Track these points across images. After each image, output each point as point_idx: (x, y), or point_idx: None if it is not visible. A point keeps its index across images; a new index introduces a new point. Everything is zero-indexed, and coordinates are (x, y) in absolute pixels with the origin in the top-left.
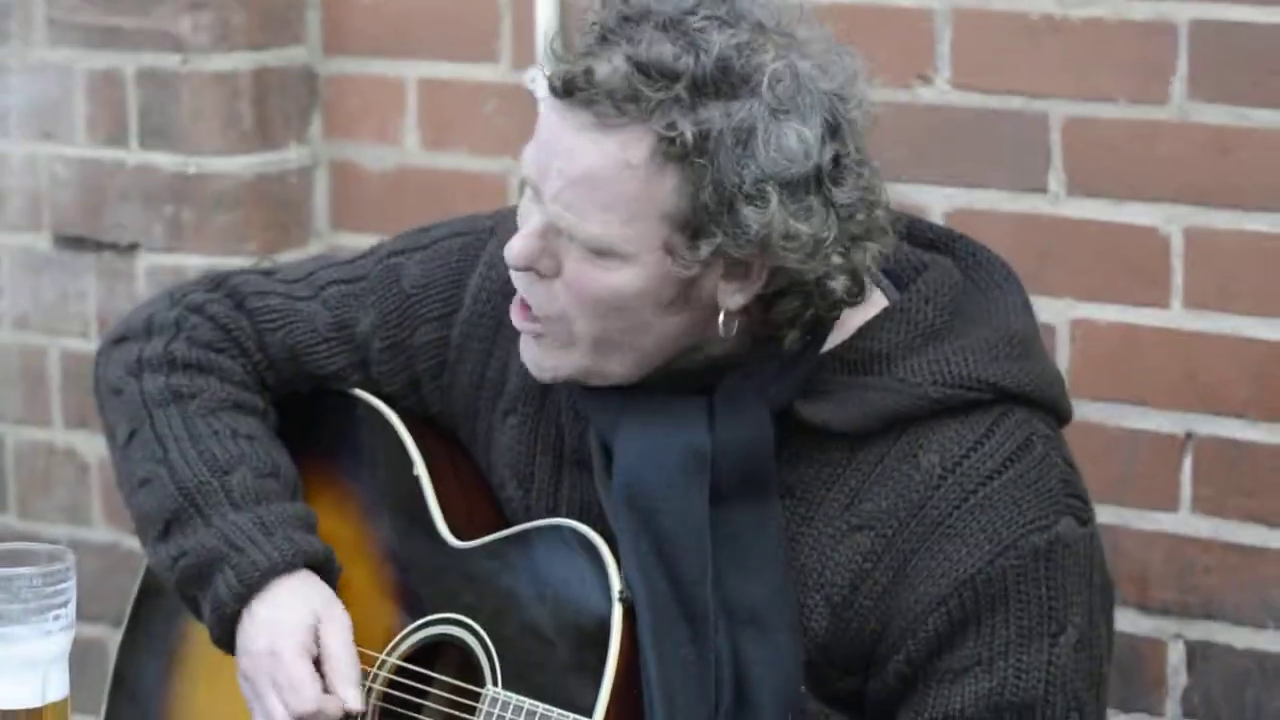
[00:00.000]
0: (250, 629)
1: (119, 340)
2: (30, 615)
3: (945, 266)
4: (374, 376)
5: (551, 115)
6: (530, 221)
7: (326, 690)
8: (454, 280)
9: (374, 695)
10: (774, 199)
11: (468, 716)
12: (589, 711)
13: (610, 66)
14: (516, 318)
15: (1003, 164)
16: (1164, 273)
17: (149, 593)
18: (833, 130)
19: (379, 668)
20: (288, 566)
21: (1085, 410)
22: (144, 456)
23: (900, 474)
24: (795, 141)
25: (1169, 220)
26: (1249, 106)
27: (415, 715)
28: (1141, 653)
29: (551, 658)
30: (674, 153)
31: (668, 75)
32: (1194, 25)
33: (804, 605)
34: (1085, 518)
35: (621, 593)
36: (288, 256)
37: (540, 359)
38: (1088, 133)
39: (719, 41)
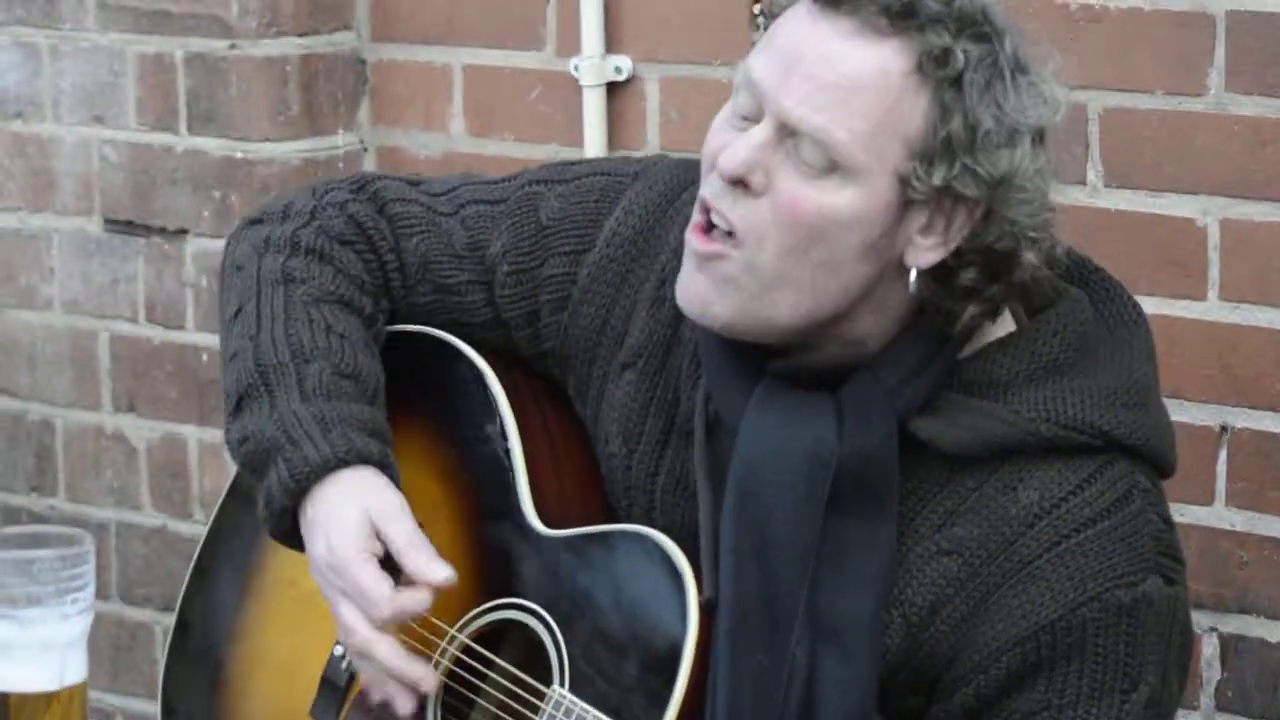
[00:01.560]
0: (307, 533)
1: (254, 222)
2: (48, 598)
3: (1079, 300)
4: (495, 299)
5: (803, 23)
6: (754, 131)
7: (401, 583)
8: (590, 219)
9: (440, 670)
10: (1025, 144)
11: (528, 712)
12: None
13: None
14: (695, 239)
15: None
16: (1200, 264)
17: (233, 499)
18: (1051, 97)
19: (448, 642)
20: (339, 463)
21: None
22: (241, 332)
23: (996, 505)
24: (1038, 97)
25: (1206, 212)
26: None
27: (475, 697)
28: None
29: (620, 671)
30: (932, 73)
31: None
32: (1231, 16)
33: (886, 612)
34: (1174, 578)
35: (703, 596)
36: None
37: (704, 290)
38: (1126, 124)
39: None
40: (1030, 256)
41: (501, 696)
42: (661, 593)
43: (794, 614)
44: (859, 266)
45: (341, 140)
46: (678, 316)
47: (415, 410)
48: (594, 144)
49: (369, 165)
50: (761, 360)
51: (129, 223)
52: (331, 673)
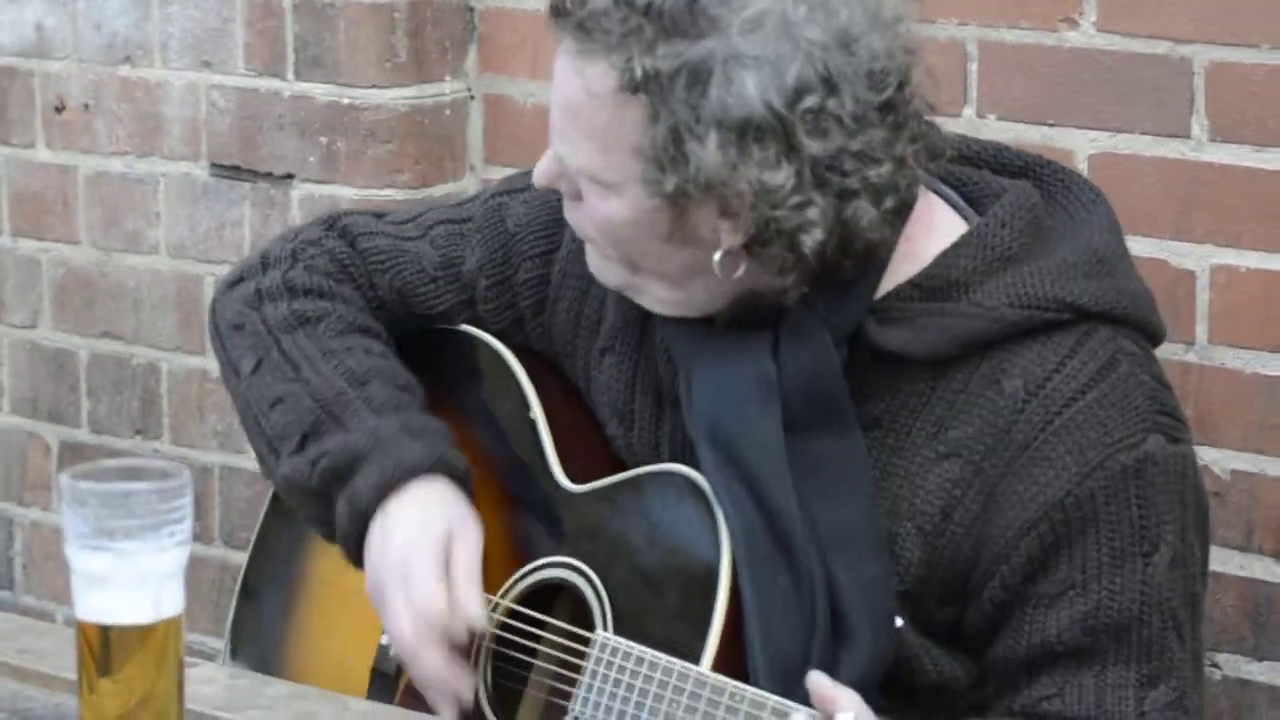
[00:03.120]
0: (384, 529)
1: (235, 282)
2: (145, 531)
3: (1023, 189)
4: (480, 315)
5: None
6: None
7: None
8: (555, 218)
9: (487, 638)
10: (713, 142)
11: (579, 661)
12: (697, 659)
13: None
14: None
15: (1146, 108)
16: None
17: (276, 515)
18: (822, 80)
19: (493, 610)
20: (430, 469)
21: (1224, 357)
22: (275, 379)
23: (984, 400)
24: (753, 88)
25: None
26: None
27: (528, 659)
28: (1277, 601)
29: (661, 604)
30: (632, 86)
31: (635, 9)
32: None
33: (897, 535)
34: (1176, 435)
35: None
36: (440, 191)
37: (594, 263)
38: (1231, 78)
39: None
40: (810, 238)
41: (554, 653)
42: (693, 521)
43: (795, 532)
44: (680, 253)
45: (449, 88)
46: None
47: (442, 395)
48: None
49: (476, 113)
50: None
51: (235, 168)
52: (381, 663)
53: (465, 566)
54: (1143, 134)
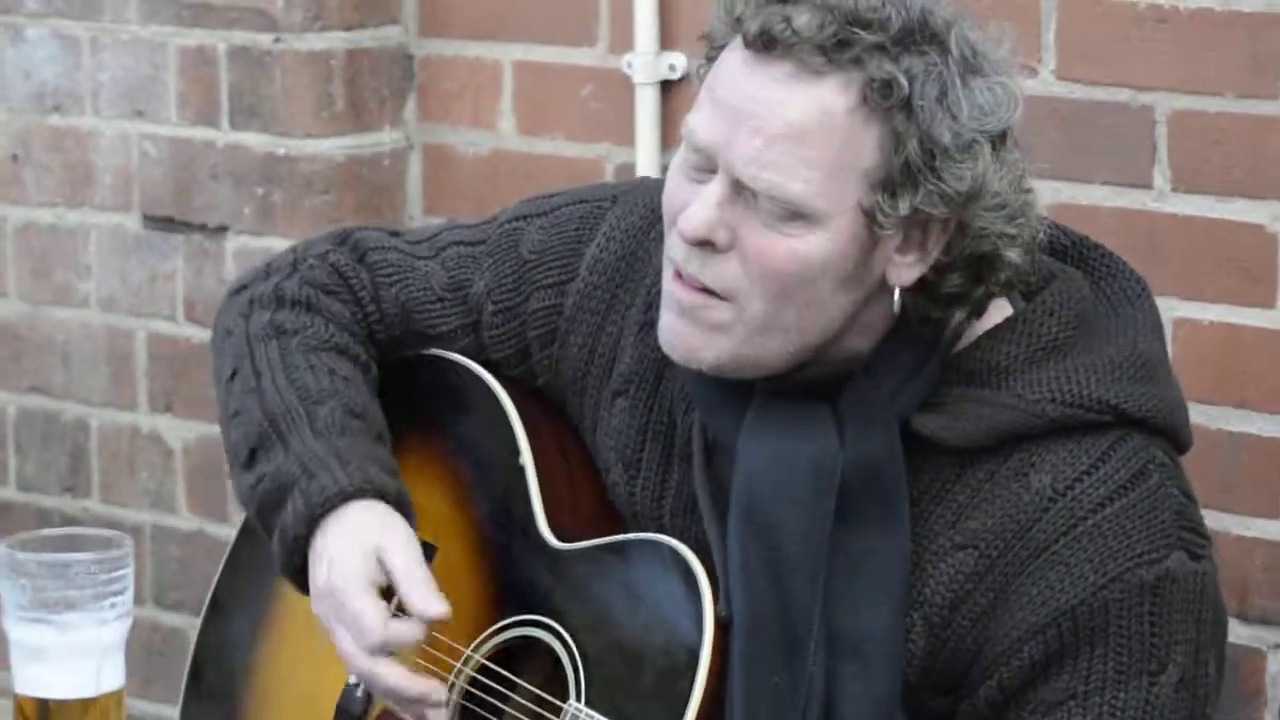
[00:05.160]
0: (314, 561)
1: (239, 289)
2: (87, 602)
3: (1074, 278)
4: (484, 341)
5: (739, 74)
6: (708, 190)
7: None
8: (571, 249)
9: (456, 691)
10: (985, 152)
11: None
12: None
13: (809, 14)
14: (676, 286)
15: (1107, 158)
16: (1270, 272)
17: (248, 534)
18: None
19: (464, 664)
20: (356, 493)
21: None
22: (241, 390)
23: (1009, 492)
24: (990, 98)
25: (1276, 218)
26: None
27: (494, 718)
28: (1239, 662)
29: (637, 680)
30: (879, 104)
31: (873, 23)
32: None
33: (904, 621)
34: (1199, 552)
35: (719, 612)
36: None
37: (691, 340)
38: (1194, 127)
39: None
40: (1012, 255)
41: (521, 716)
42: (677, 599)
43: (809, 631)
44: (841, 298)
45: (387, 137)
46: None
47: (427, 429)
48: (646, 144)
49: (415, 163)
50: (750, 379)
51: (168, 219)
52: (346, 702)
53: (403, 571)
54: (1103, 184)
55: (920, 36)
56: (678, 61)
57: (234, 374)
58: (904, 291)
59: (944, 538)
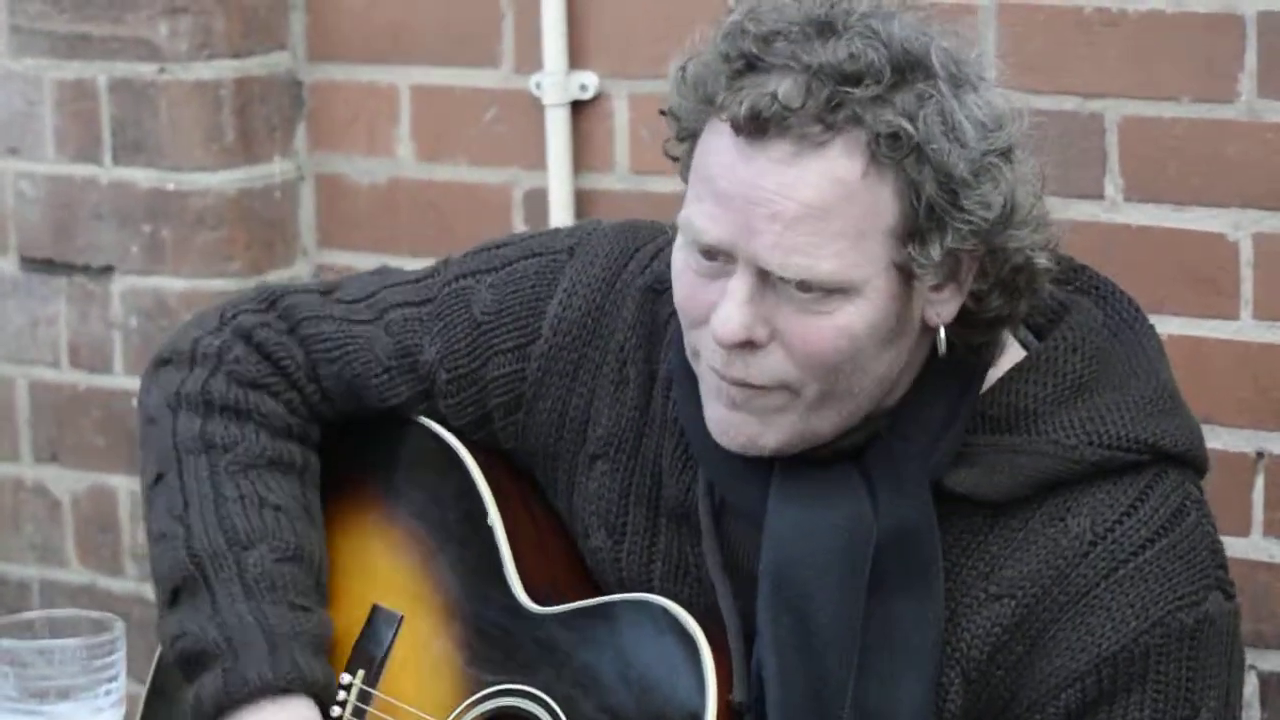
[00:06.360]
0: None
1: (164, 362)
2: (79, 691)
3: (1086, 309)
4: (440, 410)
5: (736, 162)
6: (734, 288)
7: None
8: (530, 308)
9: None
10: (1003, 170)
11: None
12: None
13: (791, 81)
14: (724, 386)
15: (1055, 168)
16: (1232, 282)
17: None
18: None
19: None
20: (282, 690)
21: None
22: (166, 507)
23: (1046, 538)
24: (989, 112)
25: (1237, 226)
26: None
27: None
28: None
29: None
30: (889, 157)
31: (862, 75)
32: (1263, 17)
33: (940, 684)
34: (1231, 591)
35: (736, 702)
36: (274, 277)
37: (749, 429)
38: (1148, 134)
39: (886, 30)
40: (1042, 261)
41: None
42: (674, 663)
43: (843, 707)
44: (888, 355)
45: (278, 168)
46: (645, 398)
47: (386, 491)
48: (558, 167)
49: (308, 194)
50: None
51: (49, 261)
52: None
53: None
54: (1052, 195)
55: (906, 68)
56: (589, 81)
57: (158, 479)
58: (947, 328)
59: (978, 589)
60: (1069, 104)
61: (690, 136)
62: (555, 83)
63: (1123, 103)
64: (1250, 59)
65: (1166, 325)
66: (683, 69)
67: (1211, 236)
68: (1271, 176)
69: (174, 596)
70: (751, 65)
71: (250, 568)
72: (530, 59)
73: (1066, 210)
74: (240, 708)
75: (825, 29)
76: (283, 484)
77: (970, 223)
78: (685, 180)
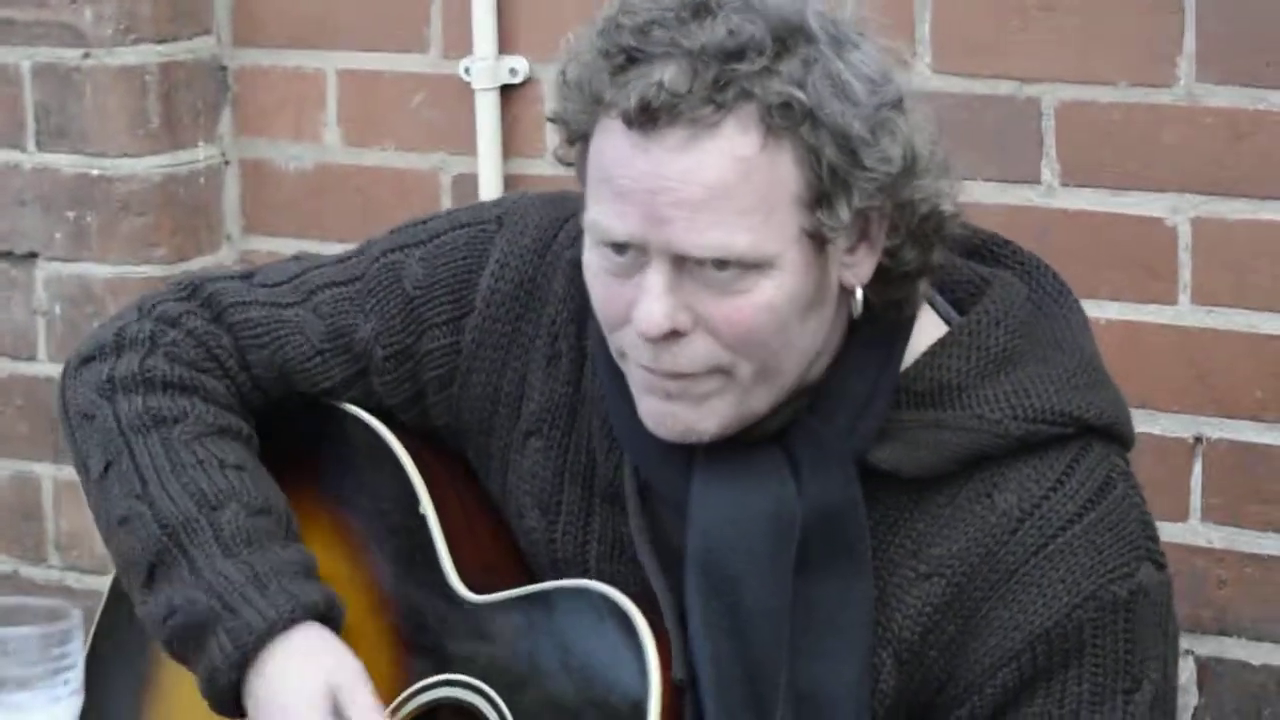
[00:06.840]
0: (256, 704)
1: (87, 360)
2: (36, 681)
3: (1009, 283)
4: (374, 388)
5: (632, 157)
6: (650, 281)
7: None
8: (461, 280)
9: None
10: (899, 122)
11: None
12: None
13: (675, 67)
14: (655, 380)
15: (991, 153)
16: (1170, 267)
17: (119, 598)
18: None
19: None
20: (287, 623)
21: None
22: (123, 492)
23: (973, 515)
24: (874, 66)
25: (1175, 211)
26: (1263, 88)
27: None
28: None
29: None
30: (783, 126)
31: (745, 50)
32: (1202, 1)
33: (872, 665)
34: (1162, 561)
35: (677, 679)
36: (199, 263)
37: (684, 417)
38: (1085, 118)
39: (761, 2)
40: (948, 206)
41: None
42: (616, 649)
43: (776, 688)
44: (812, 323)
45: (202, 154)
46: (578, 374)
47: (314, 480)
48: (488, 151)
49: (232, 179)
50: None
51: None
52: None
53: (362, 710)
54: (987, 180)
55: (787, 36)
56: (519, 65)
57: (107, 468)
58: (864, 289)
59: (906, 568)
60: (1006, 88)
61: (581, 139)
62: (485, 68)
63: (1060, 87)
64: (1189, 42)
65: (1104, 310)
66: (563, 73)
67: (1149, 221)
68: (1210, 161)
69: (150, 575)
70: (632, 58)
71: (225, 525)
72: (460, 44)
73: (1004, 195)
74: (255, 659)
75: (700, 10)
76: (238, 448)
77: (874, 179)
78: (583, 183)
